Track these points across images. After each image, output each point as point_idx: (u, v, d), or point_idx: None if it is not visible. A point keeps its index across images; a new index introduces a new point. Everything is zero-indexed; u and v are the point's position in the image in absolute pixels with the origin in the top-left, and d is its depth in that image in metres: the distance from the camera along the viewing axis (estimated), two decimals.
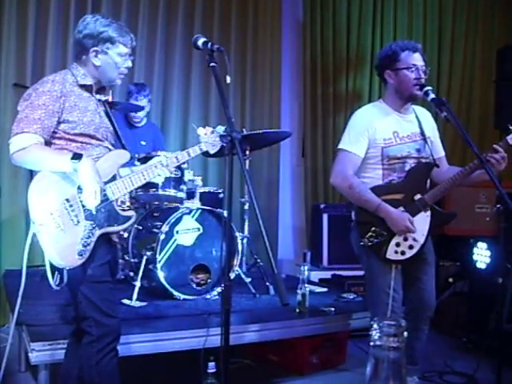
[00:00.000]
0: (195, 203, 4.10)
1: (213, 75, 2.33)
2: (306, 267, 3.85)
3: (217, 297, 3.98)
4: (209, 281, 4.02)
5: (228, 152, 2.18)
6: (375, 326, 1.14)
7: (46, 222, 2.27)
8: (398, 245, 3.08)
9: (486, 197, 5.11)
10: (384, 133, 3.14)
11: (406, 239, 3.08)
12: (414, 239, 3.08)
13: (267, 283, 4.25)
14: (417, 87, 3.11)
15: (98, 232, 2.41)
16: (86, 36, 2.47)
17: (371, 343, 1.15)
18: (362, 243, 3.13)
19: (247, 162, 4.42)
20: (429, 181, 3.22)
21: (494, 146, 2.98)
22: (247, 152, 4.33)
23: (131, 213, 2.56)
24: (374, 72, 6.19)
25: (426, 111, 3.38)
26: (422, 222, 3.11)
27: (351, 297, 4.25)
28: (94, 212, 2.38)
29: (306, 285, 3.78)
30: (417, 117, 3.28)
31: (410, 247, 3.09)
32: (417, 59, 3.15)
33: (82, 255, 2.35)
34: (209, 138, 2.70)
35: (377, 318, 1.19)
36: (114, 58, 2.53)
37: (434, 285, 3.28)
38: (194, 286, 3.98)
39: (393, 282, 3.07)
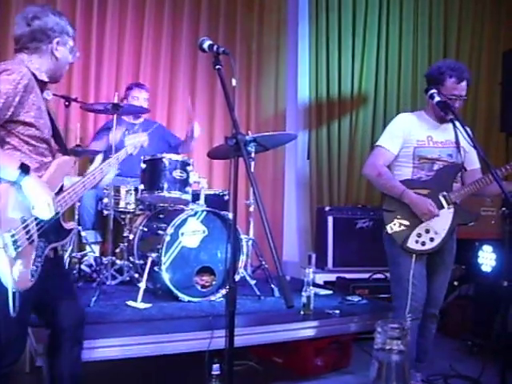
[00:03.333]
0: (200, 205, 4.11)
1: (218, 78, 2.33)
2: (310, 269, 3.85)
3: (221, 299, 3.98)
4: (214, 283, 4.02)
5: (233, 154, 2.18)
6: (379, 329, 1.14)
7: (7, 245, 2.05)
8: (419, 235, 3.28)
9: (491, 200, 5.11)
10: (418, 135, 3.36)
11: (427, 231, 3.28)
12: (436, 232, 3.28)
13: (272, 285, 4.25)
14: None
15: (46, 250, 2.27)
16: (48, 24, 2.34)
17: (375, 346, 1.16)
18: (385, 230, 3.34)
19: (252, 164, 4.42)
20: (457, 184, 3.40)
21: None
22: (252, 154, 4.33)
23: (72, 225, 2.46)
24: (379, 73, 6.27)
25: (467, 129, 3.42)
26: (444, 217, 3.30)
27: (356, 299, 4.24)
28: (46, 223, 2.23)
29: (311, 287, 3.78)
30: (455, 126, 3.37)
31: (431, 239, 3.29)
32: (461, 89, 3.31)
33: (33, 276, 2.17)
34: (132, 139, 2.73)
35: (380, 321, 1.20)
36: (68, 52, 2.44)
37: (445, 286, 3.44)
38: (199, 287, 3.97)
39: (412, 271, 3.25)
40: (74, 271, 4.33)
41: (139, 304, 3.66)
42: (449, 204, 3.31)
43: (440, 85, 3.30)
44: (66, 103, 4.86)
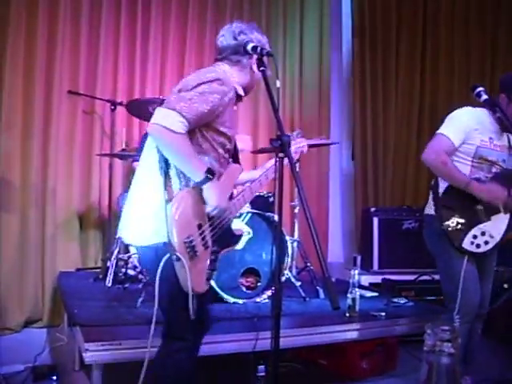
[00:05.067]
0: (245, 207, 4.11)
1: (263, 79, 2.34)
2: (356, 271, 3.82)
3: (266, 300, 3.98)
4: (258, 284, 4.02)
5: (278, 156, 2.19)
6: (429, 331, 1.12)
7: (187, 250, 2.20)
8: (474, 237, 3.20)
9: None
10: (482, 135, 3.24)
11: (483, 234, 3.21)
12: (491, 235, 3.22)
13: (317, 287, 4.24)
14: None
15: (219, 255, 2.41)
16: (252, 40, 2.45)
17: (425, 348, 1.14)
18: (443, 227, 3.21)
19: (297, 165, 4.41)
20: None
21: None
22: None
23: (241, 231, 2.58)
24: (424, 72, 6.19)
25: None
26: (500, 222, 3.27)
27: (402, 301, 4.20)
28: (220, 229, 2.37)
29: (357, 289, 3.75)
30: (509, 138, 3.36)
31: (486, 242, 3.22)
32: None
33: (209, 280, 2.33)
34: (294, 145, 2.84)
35: (431, 323, 1.18)
36: (259, 75, 2.48)
37: (490, 286, 3.39)
38: (244, 289, 3.99)
39: (463, 272, 3.16)
40: (120, 273, 4.40)
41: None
42: (506, 209, 3.26)
43: None
44: (112, 107, 4.94)
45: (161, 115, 2.18)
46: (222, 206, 2.33)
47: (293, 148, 2.93)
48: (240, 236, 2.57)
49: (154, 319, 2.26)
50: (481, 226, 3.22)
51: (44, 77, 4.91)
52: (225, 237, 2.45)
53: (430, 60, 6.38)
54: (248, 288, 4.00)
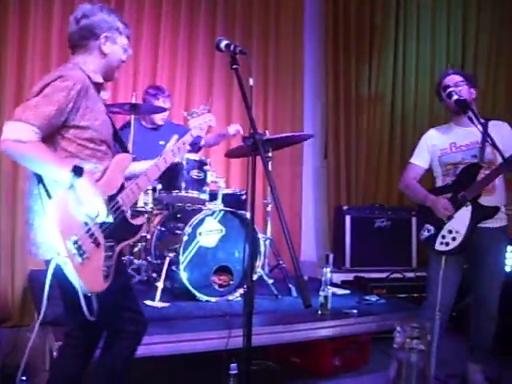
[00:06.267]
0: (218, 205, 4.11)
1: (235, 77, 2.33)
2: (328, 269, 3.84)
3: (239, 298, 3.99)
4: (231, 282, 4.02)
5: (250, 153, 2.18)
6: (399, 328, 1.13)
7: (73, 253, 2.08)
8: (443, 237, 3.44)
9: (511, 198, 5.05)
10: (441, 145, 3.60)
11: (450, 232, 3.41)
12: (457, 231, 3.40)
13: (289, 285, 4.25)
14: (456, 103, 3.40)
15: (117, 249, 2.32)
16: (95, 21, 2.40)
17: (395, 345, 1.15)
18: (420, 237, 3.57)
19: (270, 163, 4.42)
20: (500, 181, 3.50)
21: None
22: (270, 154, 4.33)
23: (141, 220, 2.48)
24: (396, 74, 6.28)
25: (500, 123, 3.52)
26: (463, 216, 3.40)
27: (374, 299, 4.23)
28: (109, 221, 2.24)
29: (329, 287, 3.77)
30: (485, 128, 3.41)
31: (453, 239, 3.40)
32: (448, 81, 3.53)
33: (107, 277, 2.23)
34: (195, 121, 2.83)
35: (400, 320, 1.19)
36: (119, 49, 2.47)
37: (493, 286, 3.46)
38: (217, 287, 3.98)
39: (441, 273, 3.37)
40: None
41: (157, 303, 3.68)
42: (465, 202, 3.38)
43: (440, 86, 3.59)
44: None
45: (9, 129, 2.10)
46: (98, 204, 2.18)
47: (196, 123, 2.96)
48: (140, 226, 2.46)
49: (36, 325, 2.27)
50: (446, 225, 3.43)
51: (15, 73, 4.83)
52: (121, 230, 2.34)
53: (401, 61, 6.43)
54: (220, 286, 4.00)
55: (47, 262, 2.21)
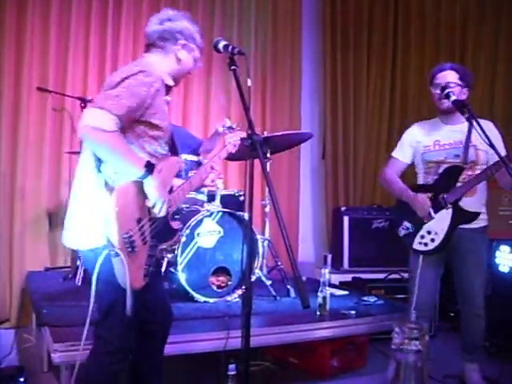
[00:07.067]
0: (216, 206, 4.11)
1: (233, 78, 2.33)
2: (326, 270, 3.83)
3: (237, 299, 3.98)
4: (229, 283, 4.02)
5: (249, 155, 2.18)
6: (397, 329, 1.14)
7: (125, 245, 2.15)
8: (422, 237, 3.46)
9: (509, 199, 5.06)
10: (424, 141, 3.57)
11: (429, 232, 3.43)
12: (435, 233, 3.42)
13: (288, 286, 4.25)
14: (442, 101, 3.43)
15: (158, 249, 2.39)
16: (178, 26, 2.47)
17: (393, 346, 1.16)
18: (397, 232, 3.57)
19: (268, 164, 4.42)
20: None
21: None
22: (268, 155, 4.33)
23: (178, 224, 2.54)
24: (395, 69, 6.27)
25: (487, 123, 3.44)
26: (443, 218, 3.41)
27: (372, 300, 4.23)
28: (159, 223, 2.34)
29: (327, 288, 3.77)
30: (470, 128, 3.38)
31: (432, 240, 3.43)
32: (441, 78, 3.47)
33: (146, 276, 2.28)
34: (231, 138, 2.83)
35: (399, 321, 1.19)
36: (191, 59, 2.56)
37: (476, 284, 3.47)
38: (215, 288, 3.98)
39: (419, 271, 3.41)
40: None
41: None
42: (446, 205, 3.39)
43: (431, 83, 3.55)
44: (82, 105, 4.89)
45: (89, 116, 2.14)
46: (163, 199, 2.29)
47: (231, 140, 2.96)
48: (177, 230, 2.52)
49: (87, 320, 2.22)
50: (426, 225, 3.45)
51: (13, 73, 4.85)
52: (163, 231, 2.41)
53: (400, 58, 6.43)
54: (219, 287, 4.00)
55: (87, 253, 2.24)
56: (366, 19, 6.36)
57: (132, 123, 2.26)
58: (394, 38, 6.45)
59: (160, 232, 2.38)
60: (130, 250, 2.16)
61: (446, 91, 3.31)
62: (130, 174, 2.20)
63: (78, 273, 4.30)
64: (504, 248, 4.45)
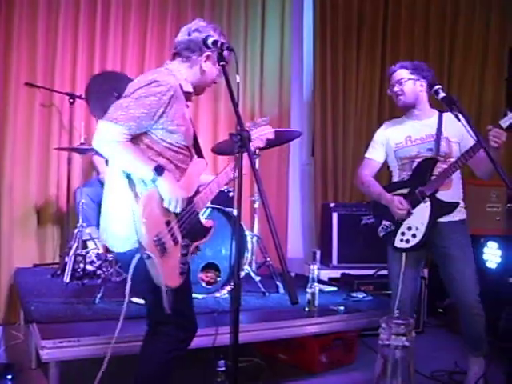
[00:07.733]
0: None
1: (222, 74, 2.34)
2: (315, 266, 3.84)
3: (226, 295, 3.98)
4: (218, 279, 4.02)
5: (238, 150, 2.19)
6: (384, 325, 1.14)
7: (156, 247, 2.27)
8: (403, 234, 3.43)
9: (496, 196, 5.09)
10: (396, 138, 3.56)
11: (409, 228, 3.41)
12: (416, 228, 3.39)
13: (277, 282, 4.26)
14: (397, 99, 3.53)
15: (191, 248, 2.48)
16: (206, 38, 2.45)
17: (380, 342, 1.16)
18: (378, 233, 3.56)
19: (257, 160, 4.41)
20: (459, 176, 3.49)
21: (488, 127, 3.22)
22: (257, 151, 4.32)
23: (211, 223, 2.63)
24: (385, 66, 6.27)
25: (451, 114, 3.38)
26: (422, 212, 3.40)
27: (361, 296, 4.25)
28: (188, 223, 2.43)
29: (316, 284, 3.78)
30: (440, 121, 3.46)
31: (413, 236, 3.40)
32: (393, 78, 3.55)
33: (182, 274, 2.39)
34: (257, 133, 2.87)
35: (385, 317, 1.20)
36: (214, 72, 2.58)
37: (464, 278, 3.37)
38: (204, 284, 3.98)
39: (403, 269, 3.39)
40: (79, 269, 4.34)
41: (143, 300, 3.66)
42: (424, 198, 3.38)
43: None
44: (71, 100, 4.87)
45: (100, 128, 2.25)
46: (176, 198, 2.33)
47: (257, 135, 2.93)
48: (209, 228, 2.61)
49: (121, 317, 2.33)
50: (405, 222, 3.43)
51: (0, 68, 4.81)
52: (194, 230, 2.50)
53: (389, 55, 6.43)
54: (208, 283, 4.00)
55: (121, 255, 2.39)
56: (356, 18, 6.35)
57: (150, 129, 2.35)
58: (384, 36, 6.45)
59: (192, 231, 2.48)
60: (161, 251, 2.28)
61: (435, 88, 3.28)
62: (144, 178, 2.29)
63: (67, 269, 4.29)
64: (491, 244, 4.49)
